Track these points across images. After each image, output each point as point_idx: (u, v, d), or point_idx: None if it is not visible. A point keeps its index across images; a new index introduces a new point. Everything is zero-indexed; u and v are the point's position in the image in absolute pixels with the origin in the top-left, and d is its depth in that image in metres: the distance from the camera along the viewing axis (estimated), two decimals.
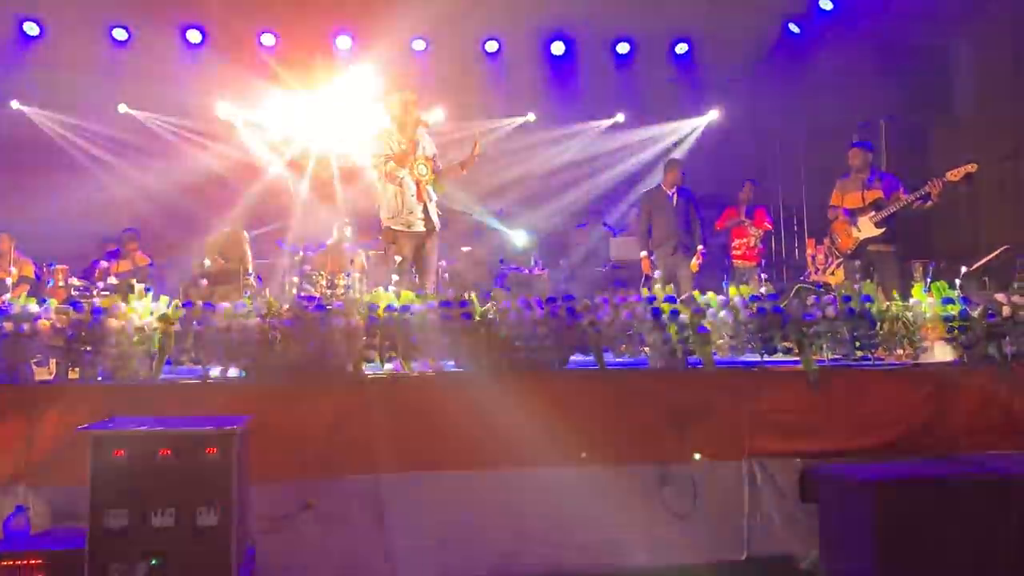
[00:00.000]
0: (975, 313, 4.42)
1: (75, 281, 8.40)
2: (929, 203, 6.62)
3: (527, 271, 9.98)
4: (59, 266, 8.46)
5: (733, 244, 9.50)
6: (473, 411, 4.05)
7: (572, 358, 4.36)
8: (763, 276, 9.03)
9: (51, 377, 4.08)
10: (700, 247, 8.20)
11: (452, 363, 4.33)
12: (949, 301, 4.44)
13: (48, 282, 8.34)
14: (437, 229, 5.77)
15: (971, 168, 6.43)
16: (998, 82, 8.87)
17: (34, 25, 10.01)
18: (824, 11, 10.13)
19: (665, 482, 4.09)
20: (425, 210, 5.65)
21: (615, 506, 4.06)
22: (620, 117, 11.76)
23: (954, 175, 6.46)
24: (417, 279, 5.70)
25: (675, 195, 8.30)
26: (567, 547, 4.02)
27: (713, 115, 11.60)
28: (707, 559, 4.07)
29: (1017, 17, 8.58)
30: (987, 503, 3.58)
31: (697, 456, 4.11)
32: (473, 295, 4.26)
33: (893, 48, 9.56)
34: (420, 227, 5.66)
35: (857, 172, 7.09)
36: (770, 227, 9.60)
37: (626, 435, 4.12)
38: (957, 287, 4.63)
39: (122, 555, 3.08)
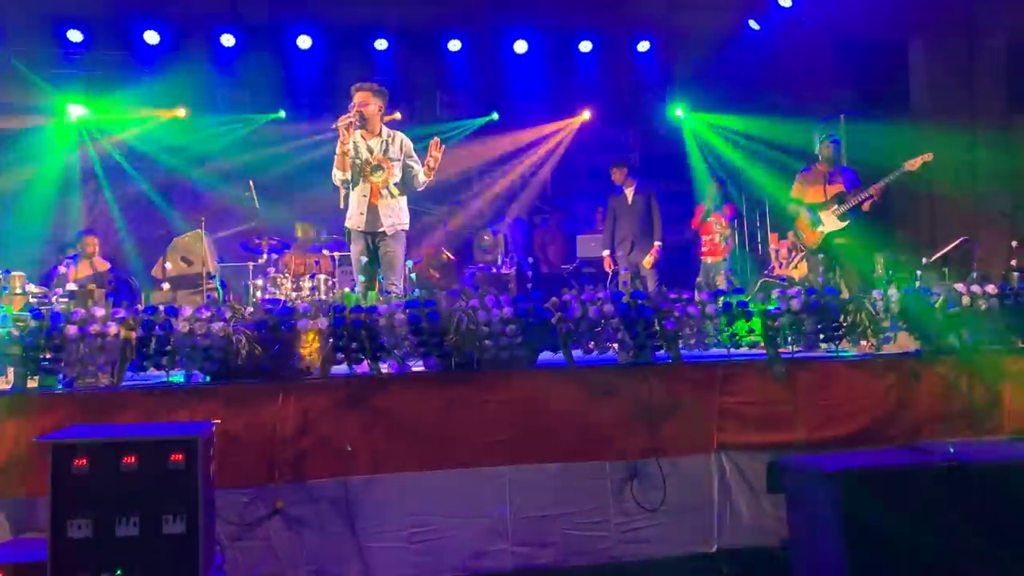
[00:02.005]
0: (936, 303, 4.50)
1: (33, 288, 8.22)
2: (873, 202, 6.81)
3: (494, 270, 9.98)
4: (16, 272, 8.28)
5: (702, 240, 9.62)
6: (442, 411, 4.04)
7: (541, 356, 4.36)
8: (729, 271, 9.15)
9: (9, 386, 3.98)
10: (656, 243, 8.27)
11: (420, 363, 4.30)
12: (910, 292, 4.51)
13: (4, 289, 8.15)
14: (394, 230, 5.68)
15: (927, 157, 6.60)
16: (952, 80, 9.05)
17: None
18: (783, 8, 10.26)
19: (635, 477, 4.11)
20: (377, 210, 5.59)
21: (585, 502, 4.08)
22: (586, 115, 11.80)
23: (911, 165, 6.64)
24: (382, 279, 5.65)
25: (632, 192, 8.38)
26: (538, 544, 4.02)
27: (675, 112, 11.70)
28: (678, 552, 4.10)
29: (969, 17, 8.76)
30: (950, 489, 3.64)
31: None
32: (440, 294, 4.24)
33: (851, 46, 9.71)
34: (372, 227, 5.61)
35: (824, 165, 7.20)
36: (724, 225, 9.63)
37: (596, 431, 4.13)
38: (918, 278, 4.71)
39: (86, 566, 3.02)
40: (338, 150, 5.55)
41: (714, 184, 9.73)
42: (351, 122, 5.49)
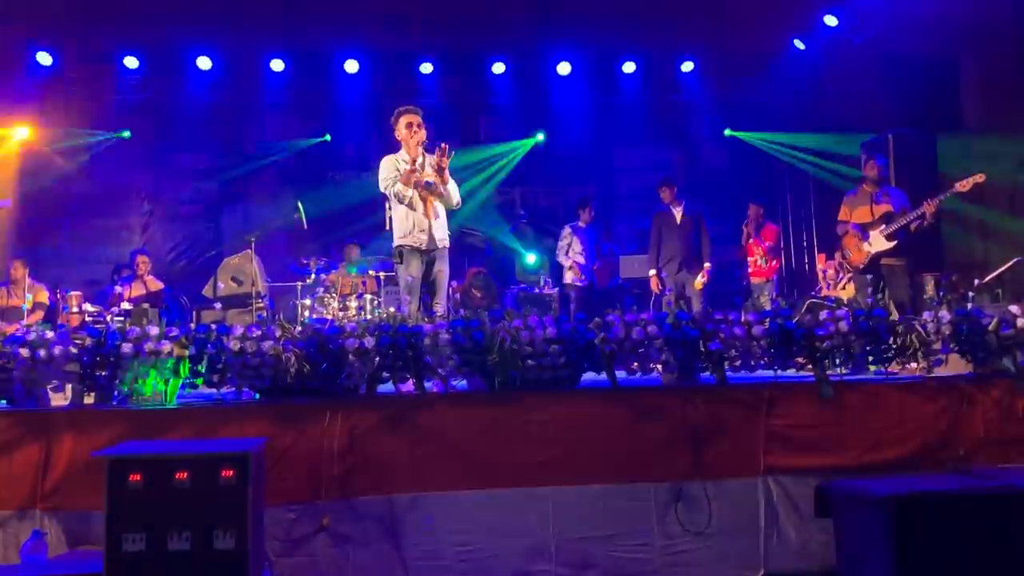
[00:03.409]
0: (989, 325, 4.40)
1: (89, 307, 8.47)
2: (925, 223, 6.67)
3: (537, 290, 9.99)
4: (73, 292, 8.54)
5: (748, 262, 9.58)
6: (486, 430, 4.06)
7: (584, 376, 4.36)
8: (775, 292, 9.06)
9: (67, 402, 4.10)
10: (706, 264, 8.21)
11: (464, 383, 4.33)
12: (962, 313, 4.42)
13: (63, 308, 8.41)
14: (446, 248, 5.78)
15: (979, 178, 6.49)
16: (1004, 95, 8.87)
17: (46, 55, 10.16)
18: (829, 27, 10.19)
19: (679, 499, 4.07)
20: (431, 227, 5.67)
21: (629, 524, 4.05)
22: (630, 136, 11.83)
23: (963, 186, 6.53)
24: (429, 298, 5.71)
25: (680, 212, 8.34)
26: (581, 566, 3.99)
27: (719, 132, 11.68)
28: None
29: (1022, 29, 8.59)
30: (1005, 516, 3.55)
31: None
32: (484, 314, 4.27)
33: (898, 63, 9.58)
34: (429, 245, 5.68)
35: (870, 185, 7.11)
36: (762, 251, 9.51)
37: (640, 453, 4.10)
38: (970, 299, 4.61)
39: None
40: (404, 167, 5.65)
41: (755, 206, 9.67)
42: (422, 142, 5.65)
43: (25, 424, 3.83)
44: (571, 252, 9.59)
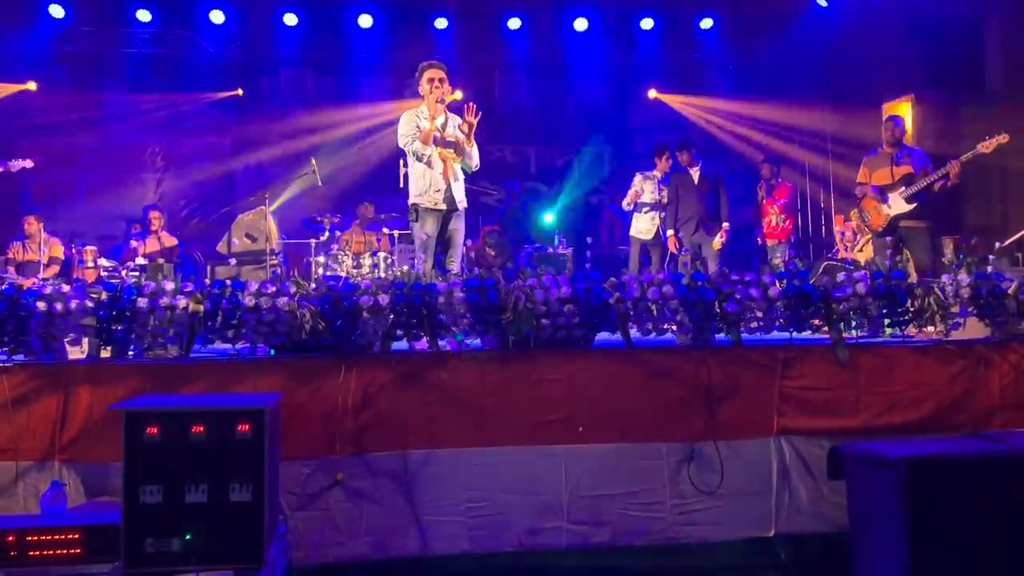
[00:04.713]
0: (1009, 289, 4.35)
1: (104, 262, 8.51)
2: (949, 183, 6.57)
3: (551, 249, 9.97)
4: (88, 247, 8.58)
5: (763, 223, 9.49)
6: (499, 388, 4.06)
7: (598, 336, 4.35)
8: (790, 253, 8.99)
9: (84, 356, 4.13)
10: (724, 225, 8.15)
11: (478, 341, 4.33)
12: (982, 276, 4.37)
13: (78, 263, 8.46)
14: (463, 208, 5.77)
15: (1003, 139, 6.39)
16: None
17: (59, 7, 10.08)
18: None
19: (692, 459, 4.08)
20: (450, 188, 5.64)
21: (641, 483, 4.07)
22: (652, 93, 11.69)
23: (985, 147, 6.44)
24: (443, 256, 5.70)
25: (697, 173, 8.25)
26: (593, 523, 4.02)
27: (737, 91, 11.51)
28: (735, 536, 4.07)
29: None
30: (1019, 479, 3.54)
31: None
32: (499, 273, 4.25)
33: (921, 22, 9.39)
34: (445, 205, 5.65)
35: (889, 146, 7.00)
36: (778, 210, 9.37)
37: (653, 413, 4.10)
38: (990, 263, 4.56)
39: (157, 530, 3.12)
40: (424, 124, 5.59)
41: (769, 166, 9.54)
42: (442, 99, 5.59)
43: (43, 377, 3.86)
44: (640, 201, 8.79)
